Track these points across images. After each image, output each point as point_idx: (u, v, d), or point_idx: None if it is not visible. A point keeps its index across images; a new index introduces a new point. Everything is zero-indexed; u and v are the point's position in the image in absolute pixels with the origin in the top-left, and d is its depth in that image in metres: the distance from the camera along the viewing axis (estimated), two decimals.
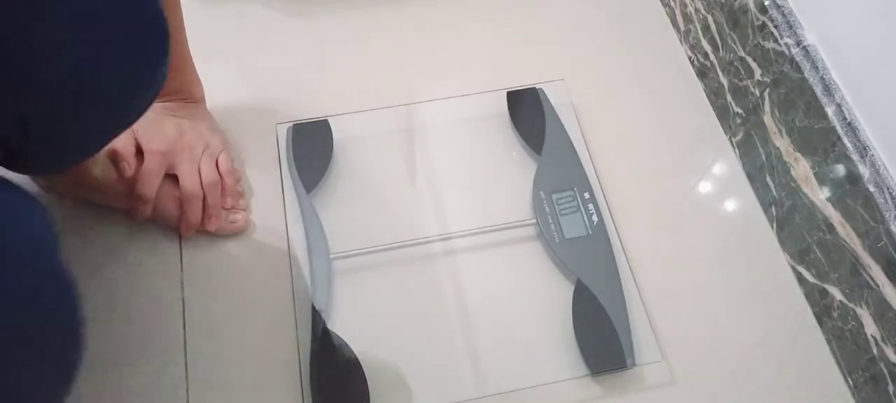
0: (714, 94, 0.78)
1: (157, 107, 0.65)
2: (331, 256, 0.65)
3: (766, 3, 0.67)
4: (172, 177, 0.65)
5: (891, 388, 0.58)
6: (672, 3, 0.84)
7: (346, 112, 0.74)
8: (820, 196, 0.63)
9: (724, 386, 0.63)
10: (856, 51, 0.59)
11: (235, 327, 0.64)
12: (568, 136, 0.73)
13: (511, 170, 0.73)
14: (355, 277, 0.66)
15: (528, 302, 0.66)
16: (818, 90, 0.61)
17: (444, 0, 0.85)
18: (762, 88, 0.69)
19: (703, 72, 0.80)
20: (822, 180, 0.63)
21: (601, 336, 0.62)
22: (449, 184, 0.72)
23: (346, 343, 0.61)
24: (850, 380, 0.63)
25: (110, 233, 0.67)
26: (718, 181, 0.74)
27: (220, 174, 0.67)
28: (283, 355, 0.62)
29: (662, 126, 0.77)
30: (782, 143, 0.67)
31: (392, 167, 0.73)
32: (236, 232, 0.68)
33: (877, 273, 0.57)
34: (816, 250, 0.64)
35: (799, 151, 0.65)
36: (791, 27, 0.65)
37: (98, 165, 0.63)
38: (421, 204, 0.71)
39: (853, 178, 0.58)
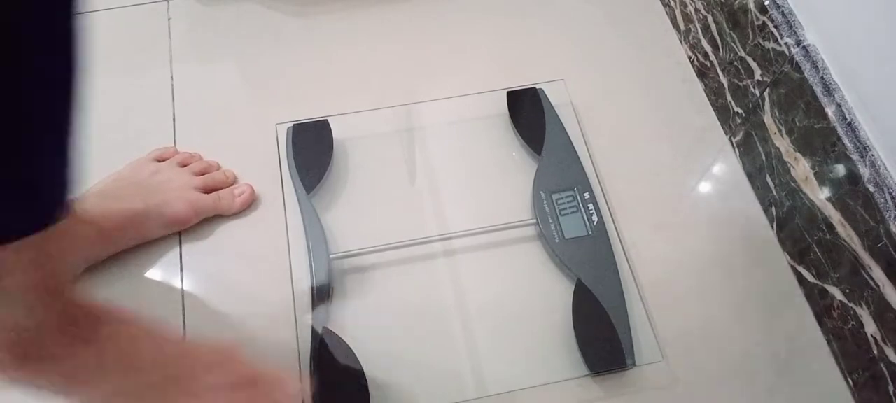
0: (714, 94, 0.78)
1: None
2: (331, 256, 0.65)
3: (766, 2, 0.67)
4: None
5: (891, 388, 0.58)
6: (672, 3, 0.84)
7: (346, 112, 0.74)
8: (820, 196, 0.63)
9: (724, 386, 0.63)
10: (856, 51, 0.59)
11: (235, 327, 0.64)
12: (568, 136, 0.73)
13: (511, 170, 0.73)
14: (355, 277, 0.66)
15: (528, 302, 0.66)
16: (818, 90, 0.61)
17: (444, 0, 0.85)
18: (762, 88, 0.69)
19: (703, 73, 0.80)
20: (822, 180, 0.63)
21: (601, 336, 0.62)
22: (449, 184, 0.72)
23: (346, 344, 0.61)
24: (850, 380, 0.63)
25: None
26: (718, 181, 0.74)
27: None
28: (284, 355, 0.62)
29: (662, 126, 0.77)
30: (782, 143, 0.67)
31: (392, 167, 0.73)
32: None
33: (877, 273, 0.57)
34: (816, 250, 0.64)
35: (799, 151, 0.65)
36: (791, 27, 0.65)
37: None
38: (421, 204, 0.71)
39: (853, 178, 0.58)
